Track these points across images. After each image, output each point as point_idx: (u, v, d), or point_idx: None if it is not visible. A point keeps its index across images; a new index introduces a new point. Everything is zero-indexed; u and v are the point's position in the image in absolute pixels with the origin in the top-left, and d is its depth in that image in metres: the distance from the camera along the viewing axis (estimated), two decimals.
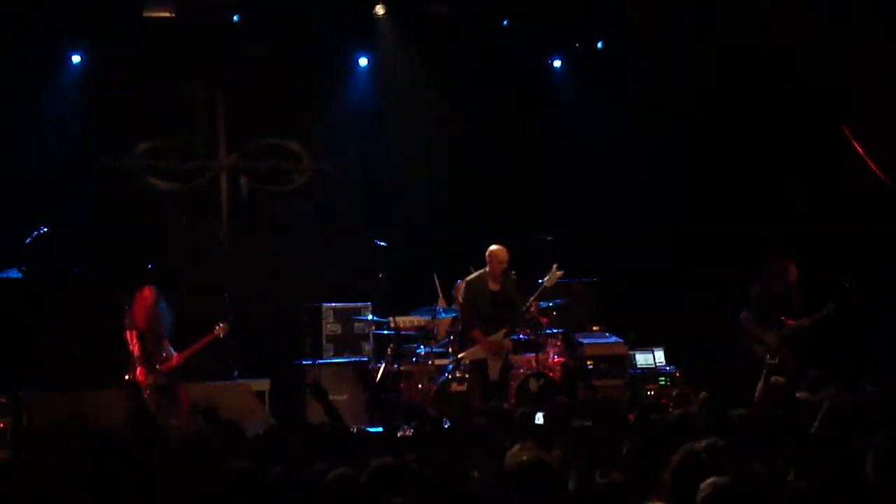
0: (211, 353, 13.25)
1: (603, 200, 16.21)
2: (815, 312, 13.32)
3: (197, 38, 15.31)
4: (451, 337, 14.12)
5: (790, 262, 13.54)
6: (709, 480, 5.14)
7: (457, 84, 16.23)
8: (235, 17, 15.45)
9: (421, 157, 16.14)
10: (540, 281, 13.35)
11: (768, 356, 13.34)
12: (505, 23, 16.35)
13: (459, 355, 13.42)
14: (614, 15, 16.01)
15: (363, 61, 16.51)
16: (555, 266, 13.17)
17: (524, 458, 5.90)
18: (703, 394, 11.88)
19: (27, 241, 13.63)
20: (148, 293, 12.80)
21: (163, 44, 15.15)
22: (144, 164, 15.72)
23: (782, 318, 13.40)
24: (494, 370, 13.22)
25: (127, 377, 12.49)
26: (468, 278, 13.39)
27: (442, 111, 16.18)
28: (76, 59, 15.24)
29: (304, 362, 14.63)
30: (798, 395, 9.71)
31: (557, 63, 17.18)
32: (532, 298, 13.33)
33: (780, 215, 15.41)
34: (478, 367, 13.26)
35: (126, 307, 12.72)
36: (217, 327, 13.00)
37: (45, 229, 13.62)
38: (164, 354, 12.81)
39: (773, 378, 12.78)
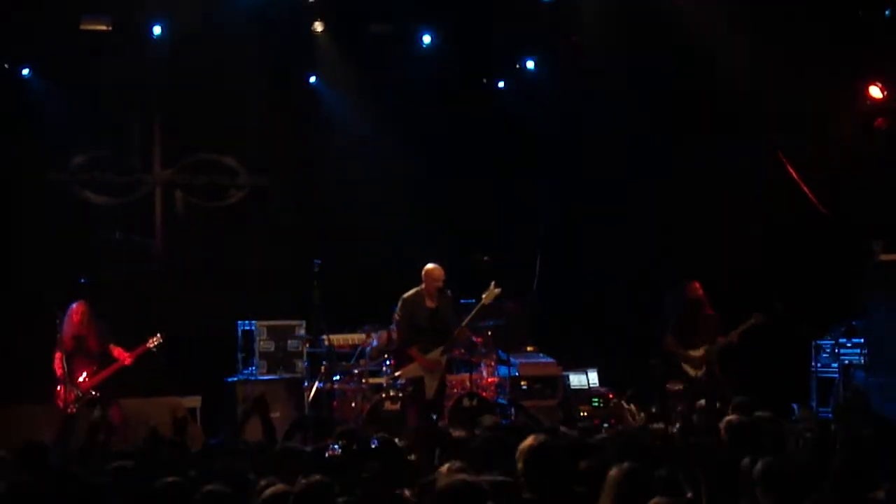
0: (142, 369, 13.17)
1: (538, 221, 16.29)
2: (741, 325, 13.50)
3: (133, 52, 15.22)
4: (385, 355, 14.12)
5: (692, 282, 13.71)
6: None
7: (397, 103, 16.24)
8: (168, 31, 15.32)
9: (359, 174, 16.15)
10: (468, 301, 13.40)
11: (694, 372, 13.52)
12: (431, 40, 16.31)
13: (396, 373, 13.40)
14: (550, 37, 16.09)
15: (312, 79, 16.50)
16: (493, 283, 13.20)
17: (452, 479, 5.93)
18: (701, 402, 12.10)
19: None
20: (75, 311, 12.71)
21: (100, 57, 15.05)
22: (80, 177, 15.60)
23: (715, 335, 13.55)
24: (431, 388, 13.21)
25: (56, 391, 12.43)
26: (405, 295, 13.37)
27: (381, 130, 16.19)
28: (25, 71, 15.12)
29: (236, 379, 14.57)
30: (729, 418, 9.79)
31: (501, 84, 17.25)
32: (469, 316, 13.34)
33: (700, 236, 15.51)
34: (414, 384, 13.25)
35: (58, 321, 12.62)
36: (151, 339, 12.93)
37: None
38: (91, 372, 12.70)
39: (697, 402, 12.99)
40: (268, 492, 6.34)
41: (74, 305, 12.72)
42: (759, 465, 6.06)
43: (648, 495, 5.62)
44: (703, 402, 12.98)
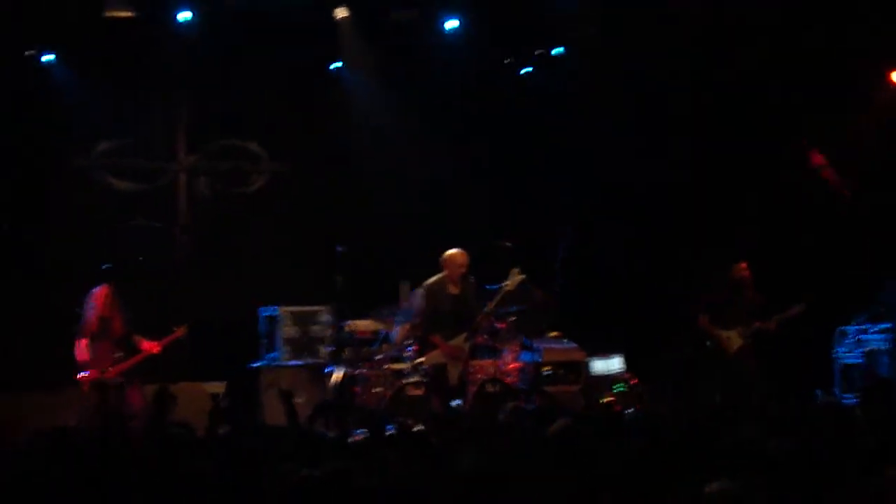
0: (166, 354, 13.21)
1: (563, 206, 16.26)
2: (781, 313, 13.46)
3: (158, 38, 15.25)
4: (409, 341, 14.12)
5: (741, 263, 13.71)
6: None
7: (421, 89, 16.23)
8: (196, 17, 15.38)
9: (381, 161, 16.14)
10: (493, 287, 13.40)
11: (727, 351, 13.54)
12: (457, 24, 16.31)
13: (419, 359, 13.40)
14: (573, 22, 16.05)
15: (333, 65, 16.49)
16: (516, 270, 13.19)
17: (475, 464, 5.94)
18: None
19: None
20: (100, 294, 12.71)
21: (125, 43, 15.09)
22: (104, 163, 15.65)
23: (753, 320, 13.56)
24: (454, 375, 13.21)
25: (80, 378, 12.47)
26: (427, 282, 13.37)
27: (405, 116, 16.17)
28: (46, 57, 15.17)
29: (260, 364, 14.60)
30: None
31: (525, 70, 17.20)
32: (493, 302, 13.33)
33: (739, 222, 15.50)
34: (437, 371, 13.25)
35: (82, 308, 12.66)
36: (177, 328, 12.95)
37: (4, 226, 13.55)
38: (117, 357, 12.72)
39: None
40: (290, 477, 6.36)
41: (97, 289, 12.73)
42: (780, 447, 6.06)
43: None
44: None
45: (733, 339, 13.58)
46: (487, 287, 13.65)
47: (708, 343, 13.75)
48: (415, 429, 8.65)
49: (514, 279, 13.15)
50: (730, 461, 6.34)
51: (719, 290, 13.74)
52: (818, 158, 14.94)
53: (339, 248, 14.46)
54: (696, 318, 13.78)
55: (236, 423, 12.16)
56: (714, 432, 7.26)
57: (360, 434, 10.59)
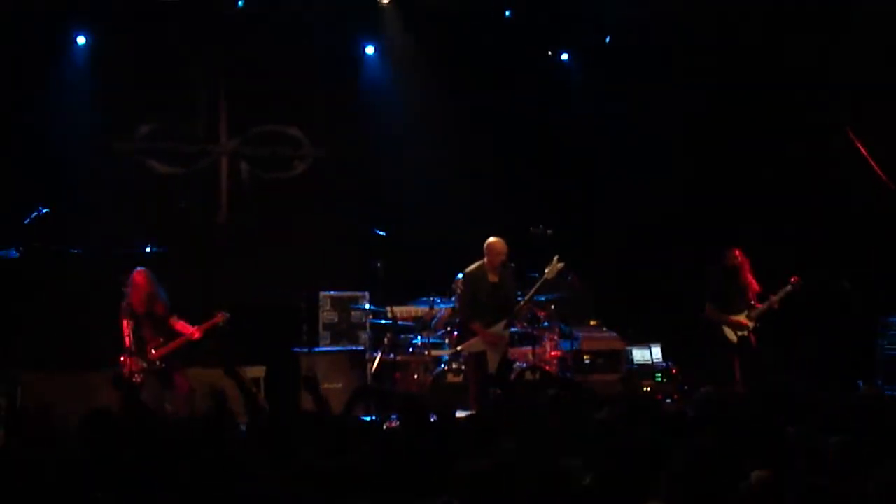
0: (207, 339, 13.24)
1: (603, 194, 16.21)
2: (781, 290, 13.53)
3: (201, 22, 15.29)
4: (448, 328, 14.13)
5: (734, 250, 13.72)
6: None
7: (460, 75, 16.18)
8: (240, 2, 15.43)
9: (422, 147, 16.11)
10: (534, 274, 13.37)
11: (738, 333, 13.56)
12: (507, 14, 16.31)
13: (458, 347, 13.40)
14: (621, 9, 15.99)
15: (370, 49, 16.48)
16: (556, 258, 13.15)
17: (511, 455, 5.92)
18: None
19: (26, 221, 13.62)
20: (139, 278, 12.73)
21: (167, 27, 15.13)
22: (145, 146, 15.69)
23: (750, 301, 13.60)
24: (493, 362, 13.18)
25: (122, 360, 12.52)
26: (467, 270, 13.35)
27: (444, 101, 16.14)
28: (81, 40, 15.20)
29: (300, 350, 14.61)
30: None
31: (564, 56, 17.13)
32: (533, 290, 13.31)
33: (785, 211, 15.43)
34: (476, 358, 13.23)
35: (123, 290, 12.71)
36: (217, 315, 12.97)
37: (45, 210, 13.61)
38: (163, 339, 12.75)
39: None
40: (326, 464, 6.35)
41: (136, 272, 12.74)
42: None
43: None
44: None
45: (744, 324, 13.57)
46: (529, 275, 13.62)
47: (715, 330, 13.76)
48: (456, 415, 8.64)
49: (553, 266, 13.12)
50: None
51: (716, 277, 13.73)
52: (862, 148, 14.82)
53: (379, 233, 14.45)
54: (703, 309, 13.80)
55: (274, 410, 12.23)
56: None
57: (394, 420, 10.60)
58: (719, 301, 13.71)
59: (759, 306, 13.58)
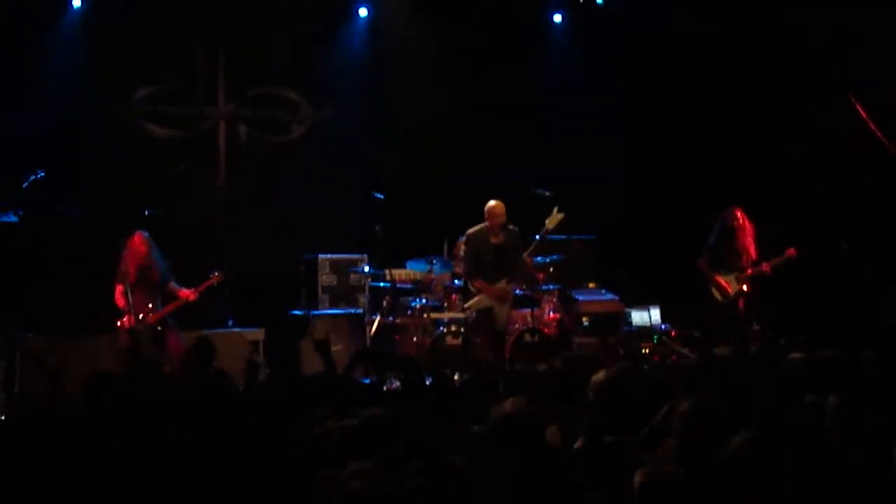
0: (206, 302, 13.27)
1: (601, 156, 16.17)
2: (774, 259, 13.47)
3: None
4: (447, 291, 14.17)
5: (735, 210, 13.66)
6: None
7: (457, 36, 16.13)
8: None
9: (420, 110, 16.06)
10: (536, 237, 13.39)
11: (721, 297, 13.59)
12: None
13: (465, 305, 13.46)
14: None
15: (363, 12, 16.43)
16: (555, 208, 13.20)
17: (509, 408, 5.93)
18: None
19: (24, 185, 13.59)
20: (138, 241, 12.77)
21: None
22: (143, 109, 15.64)
23: (743, 265, 13.56)
24: (502, 317, 13.29)
25: (119, 324, 12.57)
26: (469, 231, 13.41)
27: (442, 63, 16.11)
28: (77, 2, 15.14)
29: (299, 313, 14.63)
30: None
31: (558, 17, 17.09)
32: (534, 243, 13.35)
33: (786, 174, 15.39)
34: (485, 314, 13.29)
35: (120, 254, 12.74)
36: (213, 275, 13.00)
37: (42, 174, 13.57)
38: (155, 304, 12.78)
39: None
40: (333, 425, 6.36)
41: (136, 236, 12.79)
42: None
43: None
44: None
45: (731, 283, 13.57)
46: (530, 238, 13.62)
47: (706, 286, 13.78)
48: (454, 378, 8.66)
49: (554, 217, 13.16)
50: None
51: (715, 234, 13.73)
52: (863, 112, 14.75)
53: (378, 196, 14.43)
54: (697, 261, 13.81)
55: (274, 372, 12.27)
56: None
57: (394, 383, 10.63)
58: (712, 257, 13.69)
59: (750, 272, 13.56)
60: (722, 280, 13.61)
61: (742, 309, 13.60)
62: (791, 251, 13.47)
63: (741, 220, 13.60)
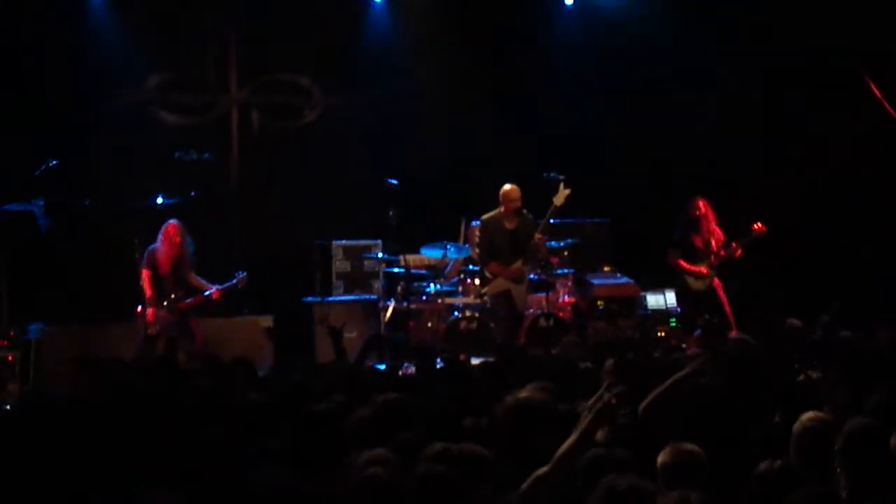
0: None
1: (615, 139, 16.12)
2: (743, 237, 13.59)
3: None
4: (462, 276, 14.16)
5: (697, 200, 13.80)
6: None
7: (473, 21, 16.08)
8: None
9: (434, 95, 16.02)
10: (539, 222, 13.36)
11: (696, 287, 13.72)
12: None
13: (482, 291, 13.46)
14: None
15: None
16: (562, 184, 13.18)
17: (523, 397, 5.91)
18: None
19: (37, 173, 13.57)
20: (173, 231, 12.81)
21: None
22: (156, 97, 15.63)
23: (713, 249, 13.70)
24: (520, 298, 13.32)
25: (138, 311, 12.59)
26: (484, 217, 13.42)
27: (457, 48, 16.05)
28: None
29: (312, 299, 14.62)
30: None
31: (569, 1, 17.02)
32: (543, 220, 13.32)
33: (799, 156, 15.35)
34: (504, 297, 13.29)
35: (137, 241, 12.75)
36: (239, 276, 13.03)
37: (55, 162, 13.55)
38: (183, 293, 12.80)
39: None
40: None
41: (170, 225, 12.83)
42: None
43: None
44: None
45: (704, 273, 13.64)
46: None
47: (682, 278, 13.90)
48: (468, 362, 8.65)
49: (561, 193, 13.14)
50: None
51: (681, 225, 13.88)
52: (877, 91, 14.67)
53: (391, 182, 14.40)
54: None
55: (287, 358, 12.28)
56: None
57: (409, 368, 10.61)
58: (683, 249, 13.81)
59: (723, 253, 13.63)
60: (692, 266, 13.64)
61: (718, 295, 13.68)
62: (757, 226, 13.56)
63: (703, 209, 13.79)
